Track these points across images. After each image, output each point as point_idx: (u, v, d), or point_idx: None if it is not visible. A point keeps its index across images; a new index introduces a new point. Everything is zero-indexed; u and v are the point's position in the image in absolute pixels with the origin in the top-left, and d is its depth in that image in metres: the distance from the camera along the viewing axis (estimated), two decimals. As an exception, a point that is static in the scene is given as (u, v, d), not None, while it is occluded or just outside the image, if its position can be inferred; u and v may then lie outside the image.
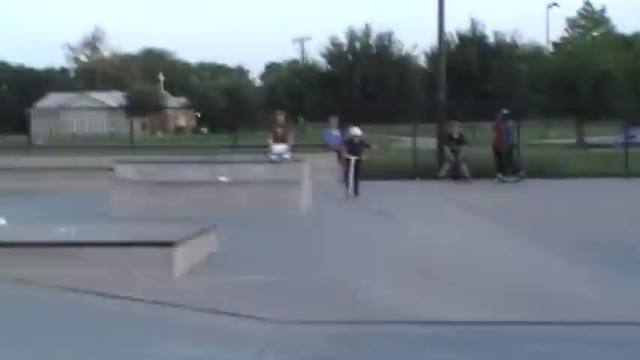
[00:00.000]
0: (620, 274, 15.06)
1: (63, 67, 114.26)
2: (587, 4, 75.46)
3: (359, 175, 21.52)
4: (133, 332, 4.77)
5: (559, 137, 40.41)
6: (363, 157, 21.52)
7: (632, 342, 3.56)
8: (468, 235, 15.90)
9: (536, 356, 3.33)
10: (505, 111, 27.28)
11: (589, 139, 41.33)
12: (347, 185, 21.14)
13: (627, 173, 27.57)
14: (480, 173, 26.42)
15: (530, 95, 56.14)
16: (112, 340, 4.38)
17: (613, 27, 74.55)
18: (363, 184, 21.79)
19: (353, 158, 21.20)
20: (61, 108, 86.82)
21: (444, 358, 3.48)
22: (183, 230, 10.95)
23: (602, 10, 75.23)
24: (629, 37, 70.44)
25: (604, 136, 37.63)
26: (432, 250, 13.51)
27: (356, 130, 21.80)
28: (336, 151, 26.32)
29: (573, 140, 40.81)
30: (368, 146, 21.81)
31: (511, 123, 26.98)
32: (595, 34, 73.37)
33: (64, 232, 11.05)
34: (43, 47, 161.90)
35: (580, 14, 75.55)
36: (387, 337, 4.82)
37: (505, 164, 26.36)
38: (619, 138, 33.08)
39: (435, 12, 30.60)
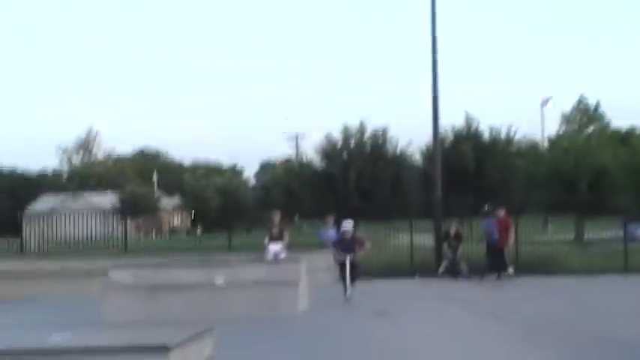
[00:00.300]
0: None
1: (55, 169, 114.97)
2: (582, 99, 76.43)
3: (356, 272, 20.45)
4: None
5: (557, 233, 40.46)
6: (359, 254, 20.56)
7: None
8: (468, 336, 15.82)
9: None
10: (486, 207, 27.44)
11: (589, 235, 41.36)
12: (344, 287, 20.15)
13: (627, 269, 27.53)
14: (478, 270, 26.39)
15: (527, 191, 56.40)
16: None
17: (608, 122, 75.29)
18: (361, 283, 21.67)
19: (348, 257, 20.19)
20: (54, 211, 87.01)
21: None
22: (179, 334, 10.87)
23: (597, 106, 76.06)
24: (625, 132, 71.14)
25: (603, 231, 37.66)
26: (431, 354, 13.41)
27: (347, 225, 20.99)
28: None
29: (572, 236, 40.85)
30: (361, 244, 20.74)
31: (492, 220, 26.99)
32: (590, 129, 74.13)
33: (58, 338, 10.99)
34: (35, 150, 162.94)
35: (575, 109, 76.40)
36: None
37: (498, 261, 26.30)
38: (618, 234, 33.12)
39: (429, 109, 30.94)
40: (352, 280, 20.27)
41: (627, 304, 19.93)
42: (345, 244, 20.45)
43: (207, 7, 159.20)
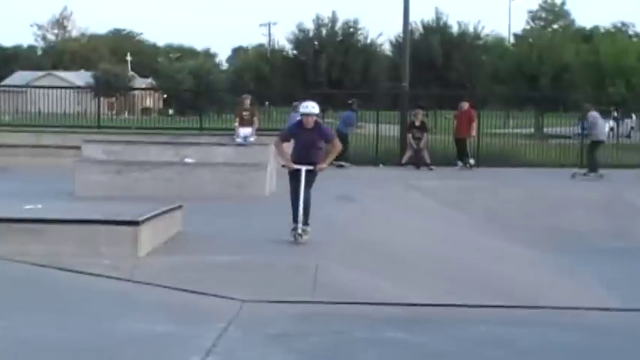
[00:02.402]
0: (572, 260, 15.32)
1: (31, 45, 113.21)
2: (549, -4, 76.04)
3: (310, 191, 11.69)
4: (100, 308, 4.81)
5: (518, 126, 40.70)
6: (323, 166, 11.76)
7: (580, 327, 3.67)
8: (427, 220, 16.04)
9: (485, 337, 3.43)
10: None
11: (548, 130, 41.68)
12: (294, 213, 11.50)
13: (582, 164, 27.87)
14: (441, 160, 26.60)
15: (491, 85, 56.51)
16: (79, 315, 4.42)
17: (573, 20, 75.14)
18: (327, 169, 21.62)
19: (303, 169, 11.52)
20: (28, 86, 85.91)
21: (398, 337, 3.57)
22: (149, 210, 10.93)
23: (563, 4, 75.74)
24: (588, 31, 71.00)
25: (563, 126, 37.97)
26: (391, 235, 13.61)
27: (309, 107, 11.68)
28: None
29: (532, 130, 41.11)
30: (329, 141, 11.78)
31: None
32: (555, 26, 73.94)
33: (31, 208, 11.01)
34: (11, 25, 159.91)
35: (541, 7, 76.08)
36: (347, 316, 4.91)
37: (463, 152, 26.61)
38: (577, 129, 33.39)
39: (400, 1, 30.65)
40: (306, 205, 11.52)
41: (580, 198, 20.25)
42: (303, 141, 11.58)
43: None
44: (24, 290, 5.22)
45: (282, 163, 11.93)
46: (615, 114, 39.83)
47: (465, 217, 18.05)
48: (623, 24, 70.27)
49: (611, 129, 39.16)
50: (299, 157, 11.67)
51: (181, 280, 7.89)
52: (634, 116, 40.53)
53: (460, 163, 26.37)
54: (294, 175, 11.58)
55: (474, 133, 27.15)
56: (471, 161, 26.46)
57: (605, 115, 39.27)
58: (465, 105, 27.20)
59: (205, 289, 5.57)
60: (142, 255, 10.01)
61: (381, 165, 27.63)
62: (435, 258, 12.50)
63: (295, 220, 11.43)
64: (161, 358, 3.36)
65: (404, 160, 27.05)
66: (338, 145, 11.94)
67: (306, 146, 11.63)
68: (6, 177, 19.58)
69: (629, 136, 37.91)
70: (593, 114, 24.55)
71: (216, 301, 4.99)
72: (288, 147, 12.08)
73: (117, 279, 6.84)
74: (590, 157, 24.42)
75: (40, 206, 11.23)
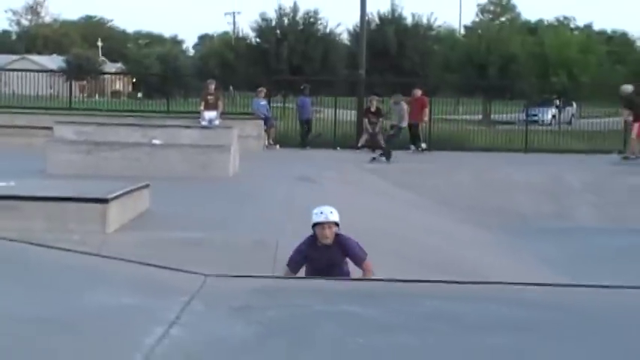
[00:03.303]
0: (514, 239, 15.49)
1: (5, 29, 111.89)
2: (497, -9, 76.59)
3: None
4: (69, 281, 4.77)
5: (468, 113, 40.97)
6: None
7: (519, 301, 3.72)
8: (381, 201, 16.09)
9: (433, 311, 3.47)
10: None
11: (495, 116, 41.99)
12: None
13: (527, 149, 28.18)
14: (395, 144, 26.67)
15: (442, 73, 56.78)
16: (49, 287, 4.38)
17: (519, 14, 75.76)
18: (286, 151, 21.75)
19: None
20: (2, 69, 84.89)
21: (353, 310, 3.59)
22: (117, 188, 10.86)
23: (510, -2, 76.39)
24: (533, 24, 71.55)
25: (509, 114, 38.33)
26: (348, 214, 13.64)
27: (327, 212, 7.75)
28: (263, 119, 26.35)
29: (480, 117, 41.42)
30: (358, 262, 7.77)
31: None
32: (503, 19, 74.43)
33: (4, 186, 10.87)
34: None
35: (489, 1, 76.55)
36: (305, 290, 4.92)
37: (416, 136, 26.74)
38: (521, 116, 33.70)
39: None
40: None
41: (524, 181, 20.44)
42: (319, 264, 7.62)
43: None
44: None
45: None
46: (557, 102, 40.28)
47: (416, 197, 18.14)
48: (565, 18, 71.01)
49: (554, 116, 39.59)
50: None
51: (147, 256, 7.83)
52: (574, 104, 40.98)
53: (413, 147, 26.49)
54: None
55: (426, 118, 27.34)
56: (423, 145, 26.62)
57: (549, 103, 39.75)
58: (418, 92, 27.32)
59: (170, 264, 5.54)
60: (110, 231, 9.95)
61: (338, 148, 27.70)
62: (390, 236, 12.55)
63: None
64: (126, 328, 3.34)
65: (360, 143, 27.10)
66: (371, 271, 7.63)
67: (324, 272, 7.41)
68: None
69: (569, 123, 38.36)
70: None
71: (180, 275, 4.96)
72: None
73: (86, 254, 6.77)
74: None
75: (12, 183, 11.10)
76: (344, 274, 7.57)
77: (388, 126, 25.67)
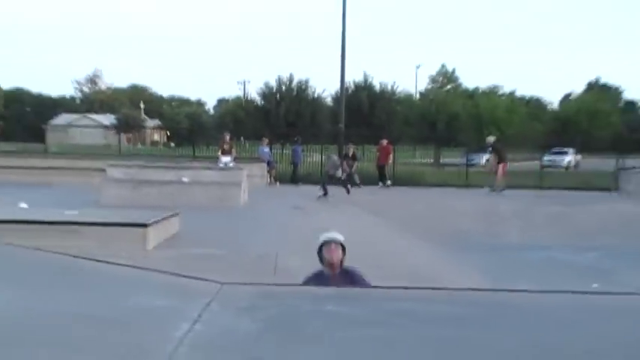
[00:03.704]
0: (458, 253, 15.45)
1: (71, 95, 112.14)
2: (443, 66, 77.41)
3: None
4: (117, 287, 4.73)
5: (422, 158, 41.11)
6: None
7: (460, 302, 3.73)
8: (357, 223, 16.07)
9: (396, 310, 3.48)
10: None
11: (443, 160, 42.22)
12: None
13: (467, 185, 28.25)
14: (366, 181, 26.71)
15: (403, 127, 57.10)
16: (101, 292, 4.34)
17: (460, 83, 76.40)
18: (284, 186, 21.69)
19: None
20: (69, 125, 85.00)
21: (335, 310, 3.59)
22: (155, 215, 10.86)
23: (453, 71, 77.06)
24: (471, 91, 72.17)
25: (454, 158, 38.47)
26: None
27: (333, 232, 6.57)
28: (266, 162, 26.38)
29: (432, 160, 41.58)
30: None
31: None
32: (448, 87, 75.04)
33: (69, 214, 10.83)
34: (55, 79, 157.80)
35: (438, 73, 77.27)
36: (298, 294, 4.89)
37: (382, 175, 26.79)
38: (462, 160, 33.84)
39: (339, 67, 30.91)
40: None
41: (465, 208, 20.46)
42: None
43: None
44: (59, 274, 5.12)
45: None
46: (490, 150, 40.39)
47: (384, 221, 18.13)
48: (495, 86, 71.42)
49: (487, 160, 39.69)
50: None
51: (177, 267, 7.79)
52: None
53: (381, 183, 26.53)
54: None
55: (390, 161, 27.44)
56: (389, 182, 26.66)
57: (483, 150, 39.86)
58: (384, 141, 27.47)
59: (194, 274, 5.50)
60: (149, 249, 9.91)
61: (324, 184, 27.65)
62: (365, 250, 12.51)
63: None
64: (160, 324, 3.32)
65: (341, 176, 27.01)
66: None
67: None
68: (51, 191, 19.25)
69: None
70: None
71: (202, 283, 4.93)
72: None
73: (130, 266, 6.73)
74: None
75: (75, 212, 11.06)
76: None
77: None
